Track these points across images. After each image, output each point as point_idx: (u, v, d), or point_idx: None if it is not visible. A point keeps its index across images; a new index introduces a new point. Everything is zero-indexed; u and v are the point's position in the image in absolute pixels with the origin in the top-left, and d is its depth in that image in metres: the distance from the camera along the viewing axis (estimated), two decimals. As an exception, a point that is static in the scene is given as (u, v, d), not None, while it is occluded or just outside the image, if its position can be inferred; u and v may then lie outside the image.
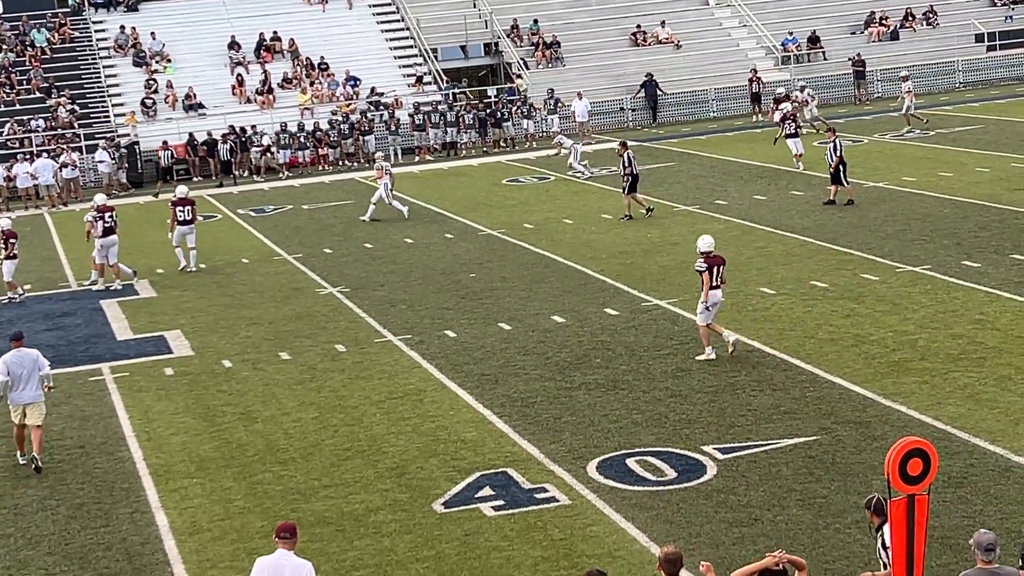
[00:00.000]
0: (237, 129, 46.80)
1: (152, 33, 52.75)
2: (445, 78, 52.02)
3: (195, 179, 45.79)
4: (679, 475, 15.94)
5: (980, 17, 55.75)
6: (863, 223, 29.40)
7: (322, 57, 52.04)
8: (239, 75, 51.10)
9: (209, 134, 46.51)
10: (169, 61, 52.06)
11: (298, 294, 27.42)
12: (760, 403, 18.26)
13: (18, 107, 48.96)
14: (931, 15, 55.66)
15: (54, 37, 52.66)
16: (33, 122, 47.83)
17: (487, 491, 15.88)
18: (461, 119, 48.12)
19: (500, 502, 15.52)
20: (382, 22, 55.22)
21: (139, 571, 14.56)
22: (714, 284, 20.44)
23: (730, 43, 55.08)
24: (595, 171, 40.09)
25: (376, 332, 23.86)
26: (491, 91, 52.10)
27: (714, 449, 16.67)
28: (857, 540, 13.69)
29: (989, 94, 50.55)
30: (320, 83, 51.08)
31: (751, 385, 19.05)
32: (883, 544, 11.13)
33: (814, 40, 54.31)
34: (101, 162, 45.37)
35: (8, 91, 49.70)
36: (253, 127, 47.08)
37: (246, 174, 46.23)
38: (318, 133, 47.53)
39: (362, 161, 46.53)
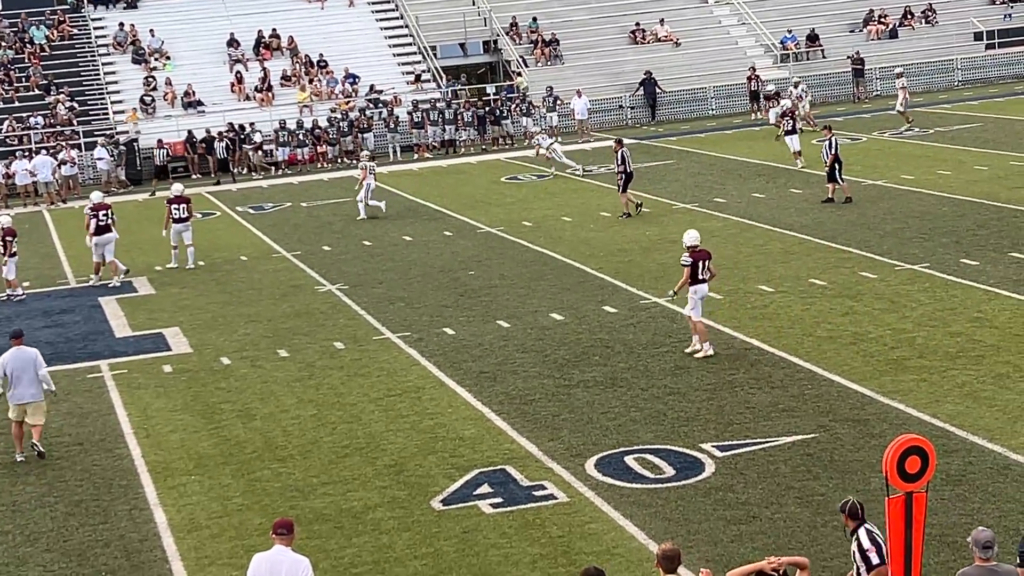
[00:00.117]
0: (236, 127, 46.79)
1: (151, 30, 52.74)
2: (444, 76, 52.01)
3: (194, 176, 45.82)
4: (677, 473, 15.94)
5: (979, 15, 55.74)
6: (862, 221, 29.41)
7: (321, 54, 52.04)
8: (238, 72, 51.09)
9: (208, 131, 46.50)
10: (168, 58, 52.04)
11: (297, 291, 27.43)
12: (758, 401, 18.26)
13: (17, 104, 48.95)
14: (930, 13, 55.66)
15: (53, 34, 52.66)
16: (32, 119, 47.82)
17: (485, 488, 15.89)
18: (460, 117, 48.14)
19: (498, 499, 15.52)
20: (381, 19, 55.21)
21: (137, 568, 14.56)
22: (701, 278, 20.53)
23: (729, 41, 55.08)
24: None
25: (375, 329, 23.86)
26: (490, 89, 52.10)
27: (712, 447, 16.68)
28: (855, 538, 13.70)
29: (988, 92, 50.54)
30: (319, 80, 51.08)
31: (749, 383, 19.06)
32: (859, 547, 10.89)
33: (813, 38, 54.30)
34: (100, 159, 45.39)
35: (7, 88, 49.69)
36: (251, 124, 47.07)
37: (245, 171, 46.22)
38: (317, 130, 47.53)
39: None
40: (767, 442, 16.67)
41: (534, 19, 54.65)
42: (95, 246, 29.65)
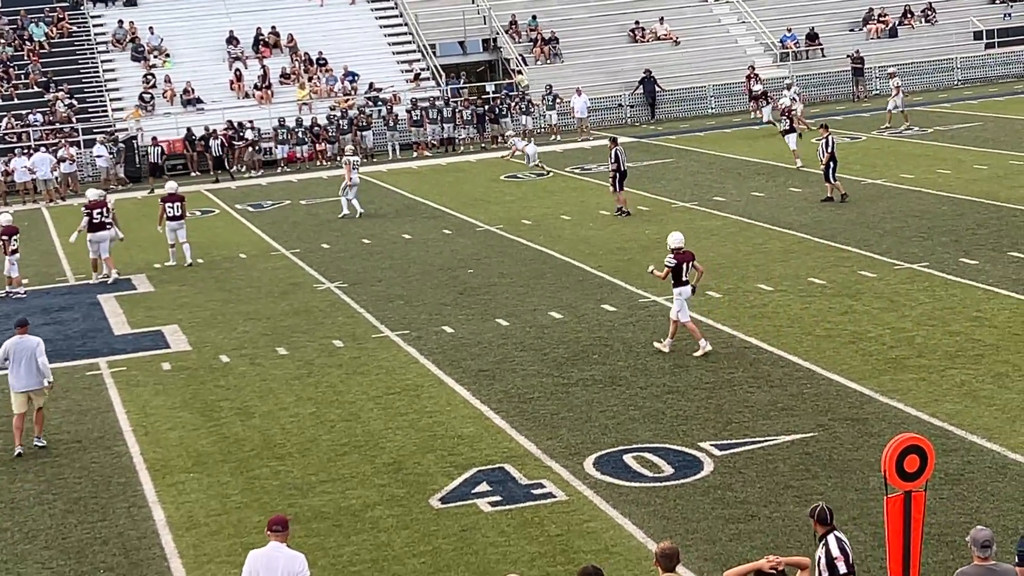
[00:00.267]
0: (235, 124, 46.76)
1: (150, 28, 52.72)
2: (443, 74, 52.00)
3: (193, 174, 45.82)
4: (676, 471, 15.94)
5: (979, 14, 55.75)
6: (861, 220, 29.40)
7: (320, 52, 52.03)
8: (237, 70, 51.07)
9: (206, 129, 46.48)
10: (167, 56, 52.03)
11: (296, 289, 27.42)
12: (757, 399, 18.26)
13: (16, 101, 48.94)
14: (930, 12, 55.66)
15: (52, 31, 52.63)
16: (31, 116, 47.81)
17: (484, 487, 15.88)
18: (459, 115, 48.13)
19: (497, 498, 15.52)
20: (381, 17, 55.21)
21: (136, 565, 14.56)
22: (685, 279, 20.54)
23: (728, 40, 55.08)
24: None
25: (374, 328, 23.86)
26: (489, 87, 52.09)
27: (711, 445, 16.68)
28: (854, 537, 13.68)
29: (988, 91, 50.54)
30: (318, 78, 51.07)
31: (748, 381, 19.06)
32: (826, 554, 10.65)
33: (812, 37, 54.29)
34: (99, 157, 45.38)
35: (6, 85, 49.66)
36: (241, 123, 47.01)
37: (244, 169, 46.20)
38: (316, 128, 47.52)
39: (360, 157, 46.47)
40: (766, 441, 16.67)
41: (533, 17, 54.65)
42: (90, 243, 29.73)
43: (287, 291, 27.31)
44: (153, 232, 33.02)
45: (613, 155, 32.53)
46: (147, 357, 23.11)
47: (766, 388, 18.71)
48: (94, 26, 53.67)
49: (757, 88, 48.16)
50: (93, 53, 52.14)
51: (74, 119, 48.07)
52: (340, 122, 47.61)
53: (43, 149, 44.81)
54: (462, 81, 52.13)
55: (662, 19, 54.71)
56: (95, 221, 29.60)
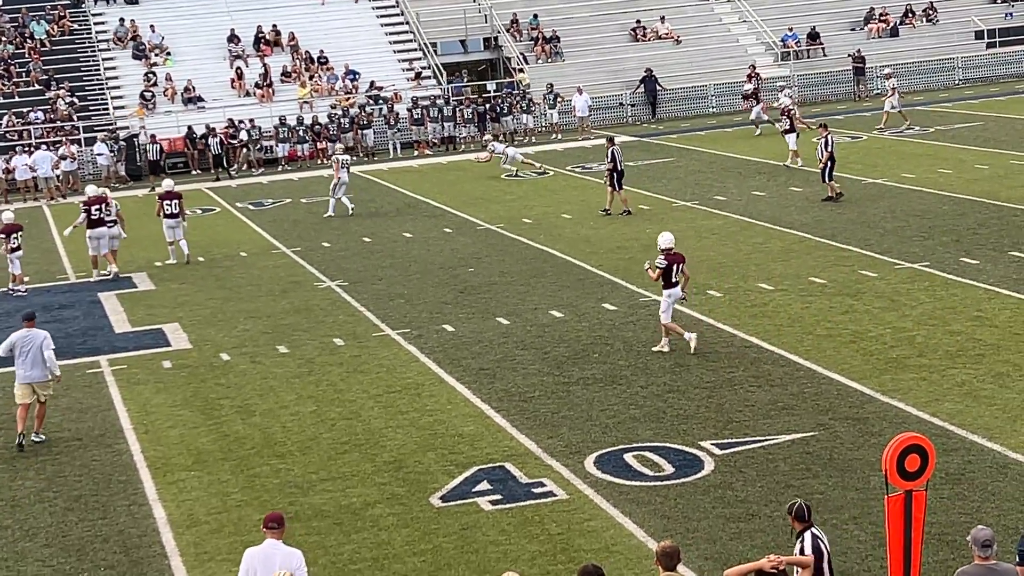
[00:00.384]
0: (236, 123, 46.76)
1: (151, 26, 52.71)
2: (444, 72, 52.00)
3: (194, 172, 45.81)
4: (676, 470, 15.94)
5: (980, 14, 55.72)
6: (862, 219, 29.40)
7: (321, 51, 52.02)
8: (238, 68, 51.05)
9: (207, 127, 46.47)
10: (168, 54, 52.02)
11: (296, 287, 27.42)
12: (758, 399, 18.26)
13: (17, 99, 48.91)
14: (931, 11, 55.64)
15: (53, 29, 52.61)
16: (32, 114, 47.79)
17: (484, 485, 15.89)
18: (460, 113, 48.12)
19: (497, 496, 15.52)
20: (382, 16, 55.19)
21: (136, 563, 14.56)
22: (675, 280, 20.54)
23: (729, 39, 55.05)
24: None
25: (374, 326, 23.86)
26: (490, 85, 52.08)
27: (712, 444, 16.68)
28: (854, 536, 13.71)
29: (989, 91, 50.52)
30: (319, 77, 51.06)
31: (749, 381, 19.06)
32: (801, 551, 10.81)
33: (814, 36, 54.26)
34: (100, 155, 45.38)
35: (7, 83, 49.65)
36: (240, 122, 47.00)
37: (245, 168, 46.19)
38: (317, 127, 47.51)
39: (361, 155, 46.54)
40: (766, 440, 16.67)
41: (535, 16, 54.63)
42: (89, 240, 29.78)
43: (288, 289, 27.31)
44: (154, 230, 32.97)
45: (610, 154, 32.53)
46: (148, 355, 23.11)
47: (767, 387, 18.71)
48: (95, 24, 53.66)
49: (748, 87, 48.11)
50: (94, 51, 52.14)
51: (75, 117, 48.06)
52: (341, 120, 47.60)
53: (44, 147, 44.81)
54: (463, 80, 52.12)
55: (663, 18, 54.70)
56: (94, 217, 29.62)
